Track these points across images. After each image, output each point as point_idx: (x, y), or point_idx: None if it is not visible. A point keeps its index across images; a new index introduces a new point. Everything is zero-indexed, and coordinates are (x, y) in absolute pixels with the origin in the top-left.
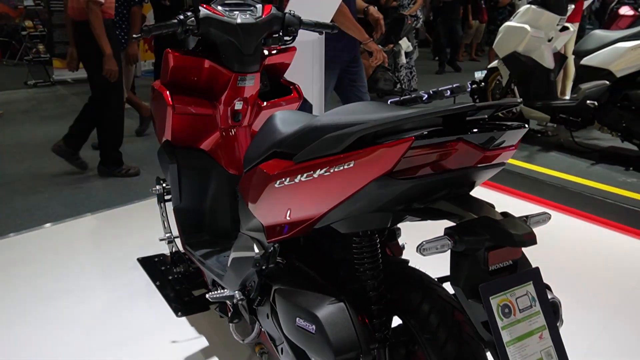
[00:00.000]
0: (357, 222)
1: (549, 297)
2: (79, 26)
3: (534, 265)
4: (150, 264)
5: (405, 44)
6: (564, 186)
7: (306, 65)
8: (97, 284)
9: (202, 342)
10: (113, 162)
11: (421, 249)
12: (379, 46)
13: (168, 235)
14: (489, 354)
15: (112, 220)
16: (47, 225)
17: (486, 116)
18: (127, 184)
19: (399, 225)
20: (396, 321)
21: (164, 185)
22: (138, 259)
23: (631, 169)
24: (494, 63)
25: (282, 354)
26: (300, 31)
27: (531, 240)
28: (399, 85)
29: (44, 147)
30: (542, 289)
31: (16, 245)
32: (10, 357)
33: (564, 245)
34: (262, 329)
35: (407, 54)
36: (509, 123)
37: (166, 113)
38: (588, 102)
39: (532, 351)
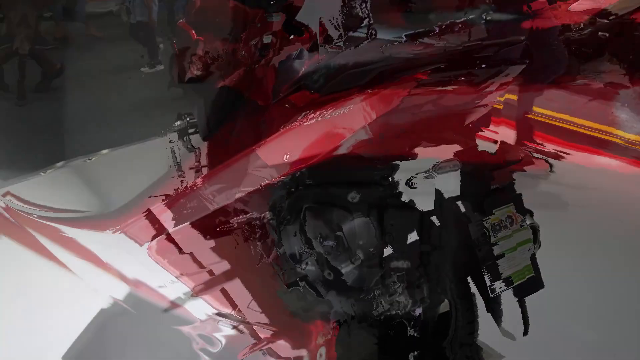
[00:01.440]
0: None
1: (529, 222)
2: None
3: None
4: None
5: None
6: None
7: None
8: None
9: (224, 265)
10: None
11: (437, 168)
12: None
13: (197, 164)
14: None
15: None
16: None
17: (491, 53)
18: None
19: None
20: None
21: (188, 119)
22: None
23: None
24: None
25: (307, 265)
26: None
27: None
28: None
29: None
30: (523, 211)
31: None
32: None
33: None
34: (282, 251)
35: None
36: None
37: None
38: None
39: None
